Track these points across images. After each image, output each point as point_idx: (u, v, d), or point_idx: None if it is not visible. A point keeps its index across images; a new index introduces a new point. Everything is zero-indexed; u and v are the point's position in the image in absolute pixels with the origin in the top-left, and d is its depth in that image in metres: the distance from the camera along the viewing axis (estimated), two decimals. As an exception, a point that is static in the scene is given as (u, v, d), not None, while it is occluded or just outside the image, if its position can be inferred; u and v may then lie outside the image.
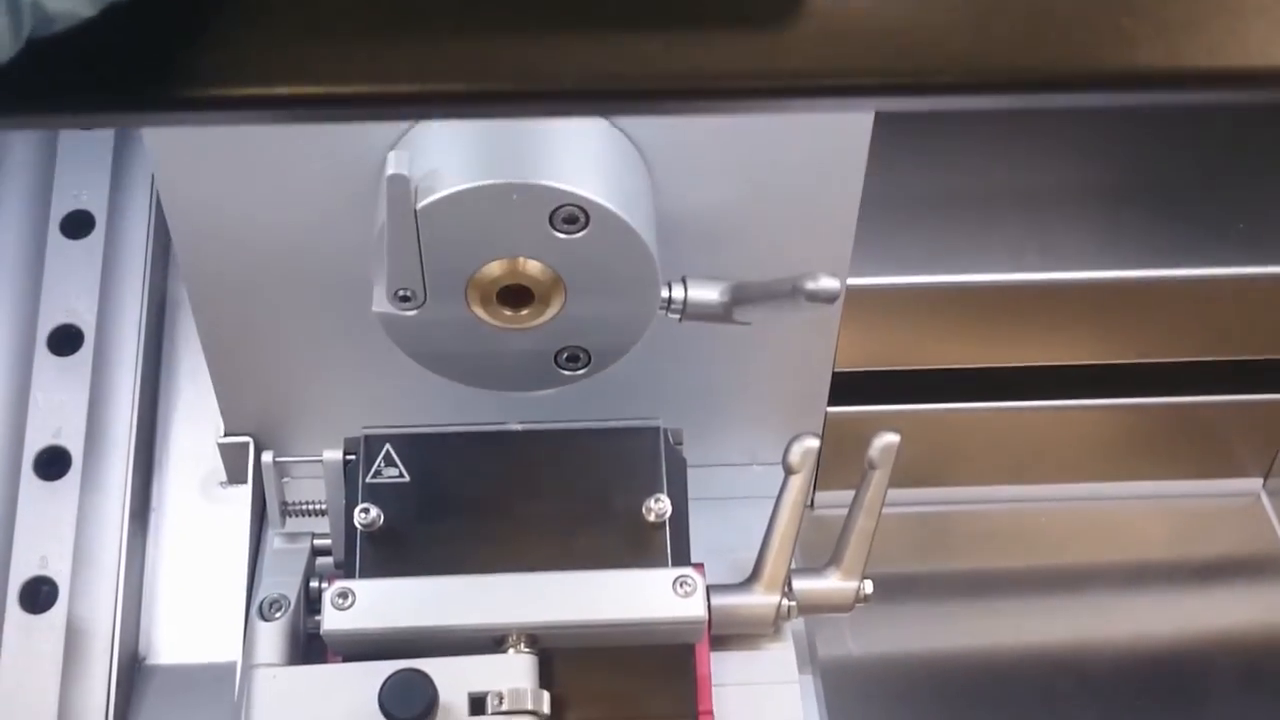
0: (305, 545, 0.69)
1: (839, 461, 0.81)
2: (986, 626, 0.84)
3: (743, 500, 0.77)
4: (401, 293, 0.61)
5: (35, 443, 0.77)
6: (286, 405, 0.75)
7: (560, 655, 0.64)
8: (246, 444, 0.77)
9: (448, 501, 0.66)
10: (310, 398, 0.75)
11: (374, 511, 0.64)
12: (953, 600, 0.84)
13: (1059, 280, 0.78)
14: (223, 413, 0.76)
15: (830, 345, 0.75)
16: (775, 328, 0.73)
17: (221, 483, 0.80)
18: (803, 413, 0.78)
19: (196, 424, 0.81)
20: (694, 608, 0.61)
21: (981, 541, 0.86)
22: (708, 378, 0.76)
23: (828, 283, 0.59)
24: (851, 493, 0.71)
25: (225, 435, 0.77)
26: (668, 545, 0.65)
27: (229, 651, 0.72)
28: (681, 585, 0.62)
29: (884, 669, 0.82)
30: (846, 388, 0.80)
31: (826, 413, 0.79)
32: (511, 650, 0.61)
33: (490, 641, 0.61)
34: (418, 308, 0.62)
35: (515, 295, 0.62)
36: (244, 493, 0.78)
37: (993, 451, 0.86)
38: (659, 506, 0.65)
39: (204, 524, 0.80)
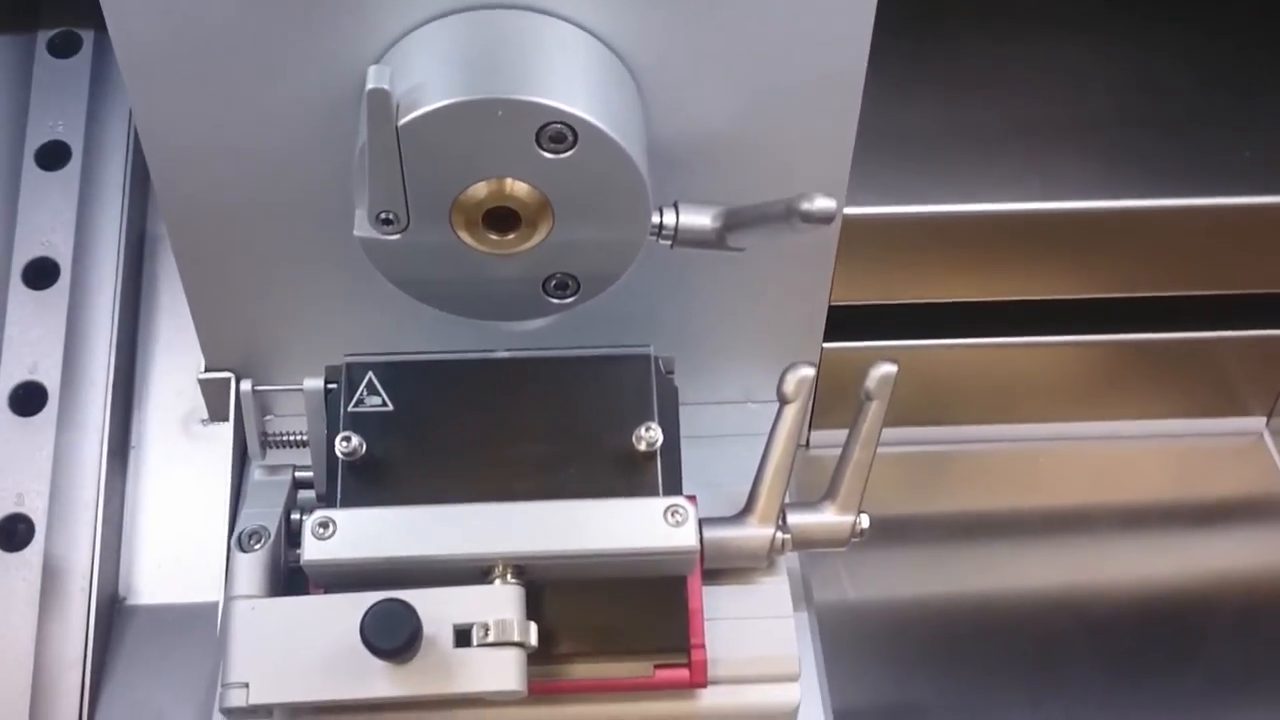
0: (286, 477, 0.67)
1: (834, 399, 0.80)
2: (983, 569, 0.82)
3: (736, 438, 0.75)
4: (383, 216, 0.59)
5: (11, 378, 0.75)
6: (269, 338, 0.74)
7: (548, 587, 0.62)
8: (228, 379, 0.75)
9: (432, 431, 0.64)
10: (293, 329, 0.73)
11: (355, 440, 0.62)
12: (948, 542, 0.83)
13: (1060, 210, 0.76)
14: (203, 347, 0.74)
15: (826, 277, 0.73)
16: (769, 258, 0.71)
17: (203, 420, 0.79)
18: (798, 347, 0.76)
19: (177, 360, 0.80)
20: (685, 537, 0.60)
21: (977, 482, 0.85)
22: (700, 310, 0.74)
23: (824, 203, 0.57)
24: (847, 431, 0.69)
25: (206, 371, 0.75)
26: (659, 475, 0.63)
27: (211, 592, 0.70)
28: (673, 514, 0.60)
29: (879, 612, 0.81)
30: (842, 322, 0.78)
31: (822, 348, 0.77)
32: (498, 581, 0.59)
33: (476, 572, 0.60)
34: (400, 232, 0.60)
35: (501, 219, 0.60)
36: (226, 430, 0.76)
37: (990, 389, 0.84)
38: (650, 435, 0.63)
39: (185, 462, 0.78)
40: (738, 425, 0.77)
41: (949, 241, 0.77)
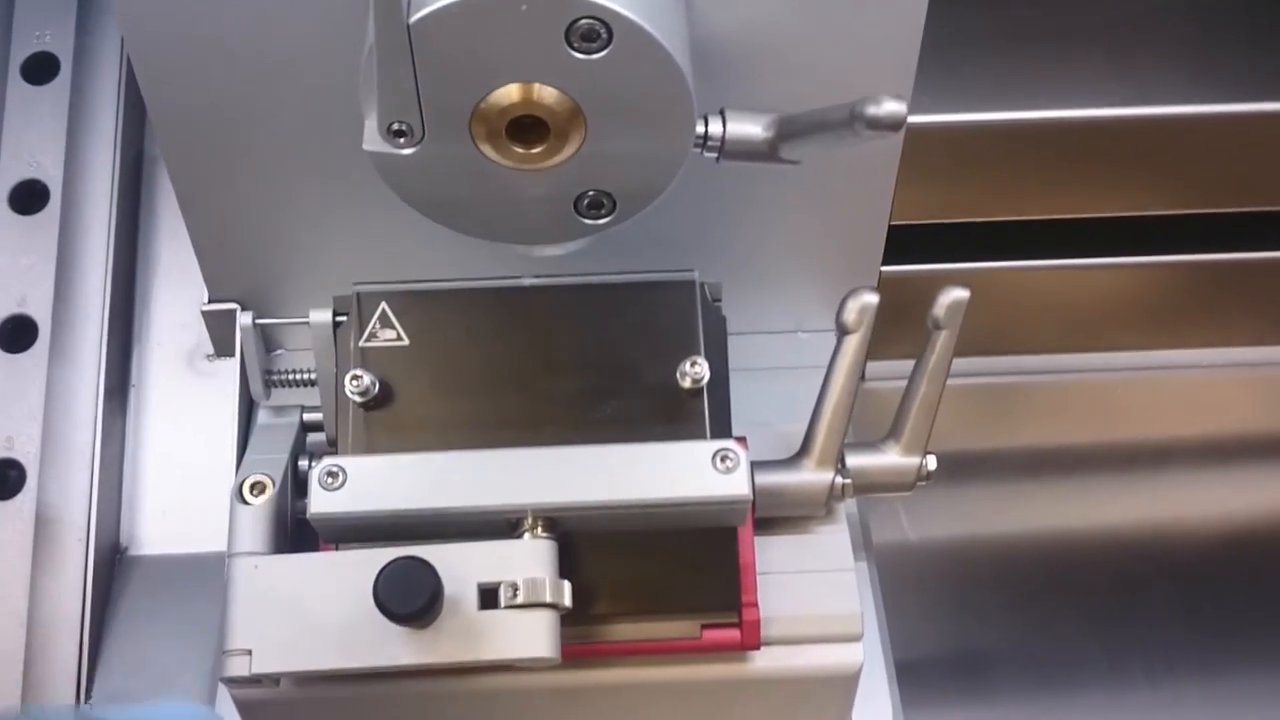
0: (294, 420, 0.61)
1: (892, 327, 0.73)
2: (1056, 508, 0.77)
3: (785, 371, 0.70)
4: (396, 127, 0.53)
5: (-1, 310, 0.69)
6: (275, 265, 0.68)
7: (583, 541, 0.56)
8: (233, 311, 0.69)
9: (453, 367, 0.58)
10: (301, 256, 0.67)
11: (367, 379, 0.56)
12: (1019, 480, 0.78)
13: (1142, 116, 0.70)
14: (205, 276, 0.68)
15: (887, 193, 0.66)
16: (825, 172, 0.65)
17: (208, 355, 0.73)
18: (854, 271, 0.70)
19: (179, 290, 0.75)
20: (737, 485, 0.53)
21: (1048, 416, 0.80)
22: (747, 231, 0.68)
23: (892, 106, 0.51)
24: (906, 364, 0.63)
25: (210, 302, 0.69)
26: (706, 415, 0.57)
27: (221, 541, 0.65)
28: (723, 459, 0.54)
29: (942, 556, 0.76)
30: (902, 243, 0.72)
31: (880, 271, 0.71)
32: (527, 535, 0.53)
33: (503, 525, 0.54)
34: (415, 145, 0.54)
35: (528, 129, 0.54)
36: (233, 366, 0.70)
37: (1062, 315, 0.79)
38: (695, 370, 0.57)
39: (189, 401, 0.73)
40: (787, 357, 0.72)
41: (1020, 153, 0.71)
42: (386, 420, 0.57)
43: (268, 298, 0.69)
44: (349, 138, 0.57)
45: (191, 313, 0.72)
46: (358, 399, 0.56)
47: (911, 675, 0.68)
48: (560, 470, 0.54)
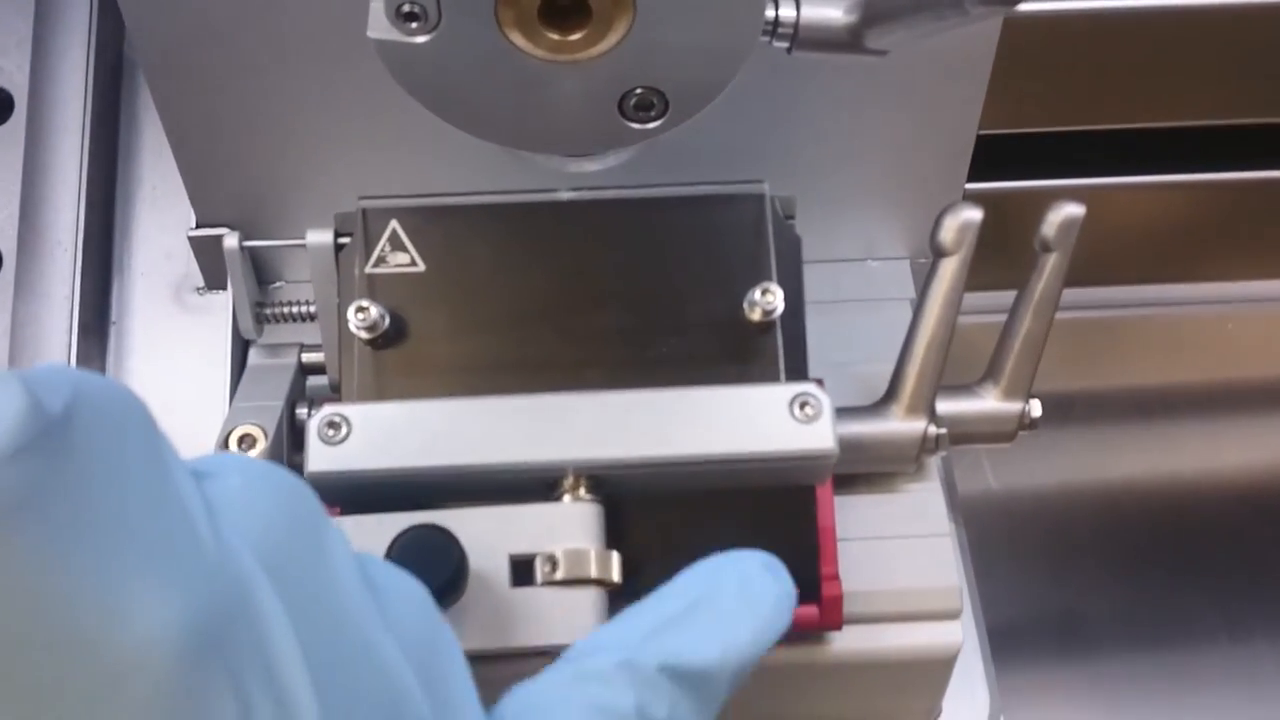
0: (291, 360, 0.52)
1: (978, 254, 0.65)
2: (1162, 452, 0.70)
3: (854, 304, 0.62)
4: (406, 9, 0.45)
5: (-46, 239, 0.61)
6: (273, 183, 0.59)
7: (632, 504, 0.47)
8: (224, 237, 0.60)
9: (477, 297, 0.49)
10: (302, 171, 0.58)
11: (375, 311, 0.47)
12: (1119, 423, 0.71)
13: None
14: (191, 197, 0.60)
15: (978, 94, 0.58)
16: (906, 66, 0.56)
17: (198, 289, 0.64)
18: (935, 188, 0.62)
19: (165, 214, 0.66)
20: (820, 437, 0.45)
21: (1158, 351, 0.72)
22: (811, 140, 0.59)
23: (1009, -23, 0.42)
24: (992, 296, 0.56)
25: (197, 227, 0.61)
26: (779, 353, 0.48)
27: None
28: (802, 406, 0.45)
29: (1034, 508, 0.68)
30: (989, 155, 0.63)
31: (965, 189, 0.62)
32: (567, 497, 0.45)
33: (539, 485, 0.45)
34: (430, 31, 0.45)
35: (564, 12, 0.45)
36: (226, 300, 0.61)
37: (1172, 239, 0.71)
38: (766, 300, 0.48)
39: (178, 339, 0.64)
40: (856, 288, 0.64)
41: (1128, 46, 0.62)
42: (399, 360, 0.48)
43: (264, 221, 0.61)
44: (353, 23, 0.49)
45: (179, 240, 0.63)
46: (364, 335, 0.47)
47: (1004, 646, 0.60)
48: (606, 419, 0.45)
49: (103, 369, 0.63)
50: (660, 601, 0.39)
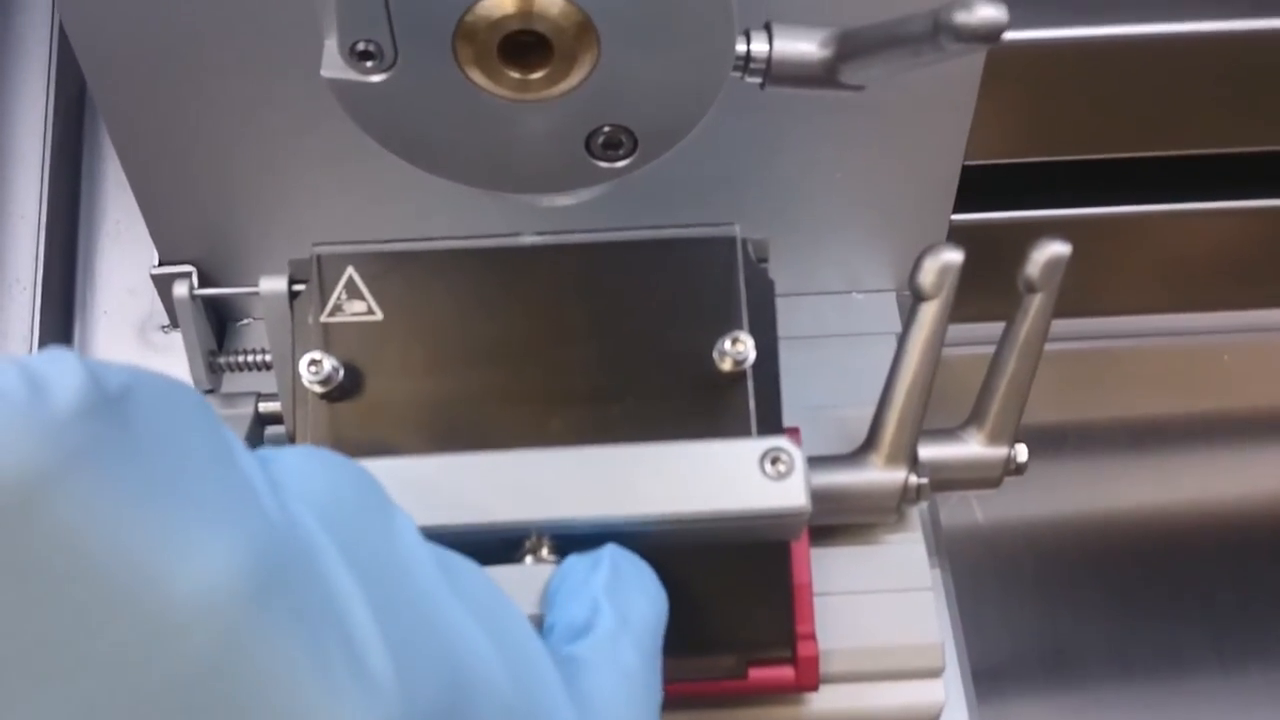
0: (247, 410, 0.51)
1: (964, 286, 0.63)
2: (1155, 484, 0.69)
3: (836, 340, 0.61)
4: (361, 48, 0.43)
5: (-88, 277, 0.59)
6: (233, 222, 0.58)
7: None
8: (188, 274, 0.59)
9: (437, 347, 0.47)
10: (261, 211, 0.57)
11: (328, 364, 0.45)
12: (1110, 455, 0.69)
13: (1267, 31, 0.58)
14: (153, 235, 0.58)
15: (963, 125, 0.56)
16: (888, 99, 0.54)
17: (163, 327, 0.63)
18: (920, 220, 0.61)
19: (129, 251, 0.65)
20: (792, 494, 0.42)
21: (1148, 383, 0.71)
22: (791, 173, 0.58)
23: (987, 11, 0.40)
24: (978, 328, 0.56)
25: (160, 265, 0.59)
26: (750, 404, 0.46)
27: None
28: (773, 462, 0.43)
29: (1022, 541, 0.67)
30: (974, 186, 0.61)
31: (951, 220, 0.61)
32: (529, 559, 0.43)
33: (499, 547, 0.43)
34: (386, 70, 0.44)
35: (527, 49, 0.44)
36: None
37: (1161, 269, 0.68)
38: (737, 350, 0.46)
39: (143, 379, 0.62)
40: (839, 322, 0.62)
41: (1114, 77, 0.60)
42: (355, 413, 0.46)
43: (229, 258, 0.59)
44: (309, 62, 0.47)
45: (142, 277, 0.62)
46: (318, 389, 0.45)
47: (992, 681, 0.59)
48: (568, 478, 0.43)
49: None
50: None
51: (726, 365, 0.46)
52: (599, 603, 0.39)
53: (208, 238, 0.59)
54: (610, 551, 0.41)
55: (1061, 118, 0.62)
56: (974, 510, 0.65)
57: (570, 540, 0.43)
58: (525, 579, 0.43)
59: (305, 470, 0.32)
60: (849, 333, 0.61)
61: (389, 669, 0.29)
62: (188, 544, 0.26)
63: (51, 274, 0.61)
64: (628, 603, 0.39)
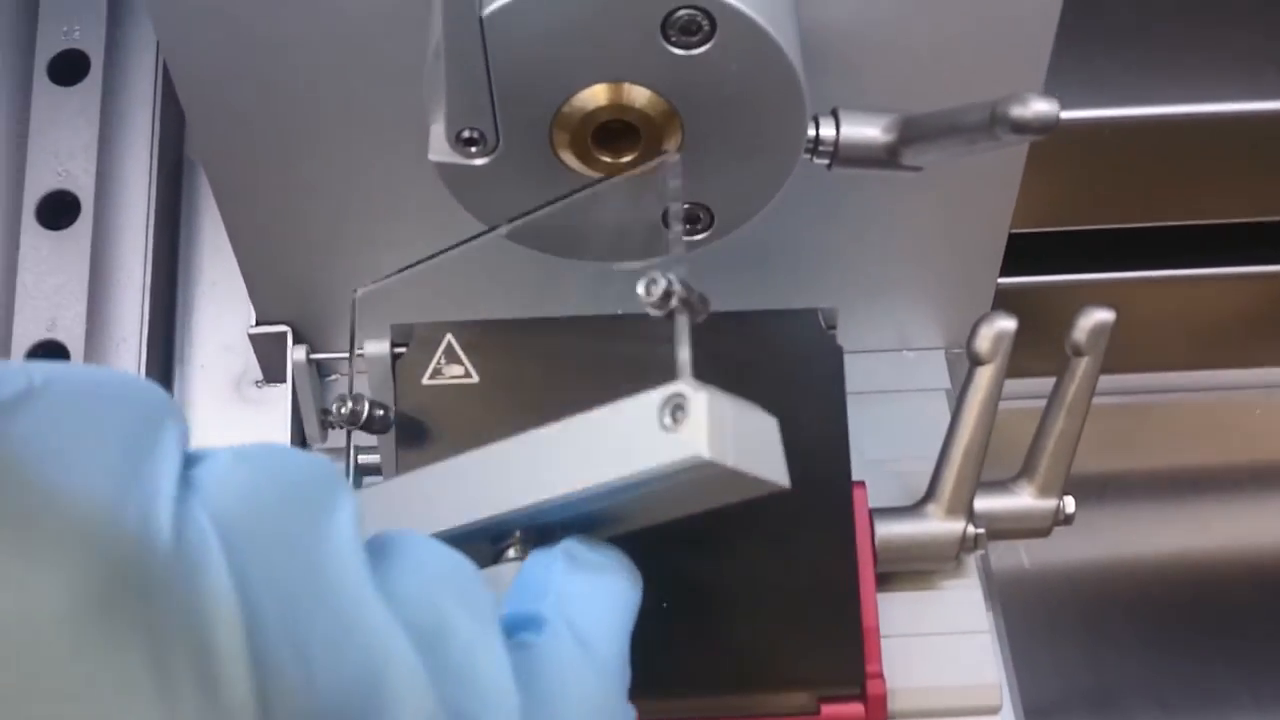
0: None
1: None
2: (1193, 533, 0.71)
3: (889, 395, 0.64)
4: (466, 135, 0.47)
5: (26, 337, 0.63)
6: (329, 287, 0.61)
7: (680, 601, 0.49)
8: (283, 334, 0.63)
9: (529, 409, 0.50)
10: (359, 275, 0.60)
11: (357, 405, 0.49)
12: (1150, 503, 0.71)
13: None
14: (252, 296, 0.62)
15: (1009, 197, 0.59)
16: (940, 173, 0.57)
17: (257, 382, 0.66)
18: (968, 283, 0.64)
19: (225, 309, 0.67)
20: (688, 444, 0.36)
21: (1186, 436, 0.73)
22: (847, 239, 0.61)
23: (1041, 106, 0.44)
24: (1022, 384, 0.58)
25: (257, 324, 0.63)
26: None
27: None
28: (673, 412, 0.37)
29: (1067, 585, 0.68)
30: (1018, 252, 0.64)
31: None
32: (513, 552, 0.42)
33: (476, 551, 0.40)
34: (488, 155, 0.47)
35: (616, 135, 0.47)
36: (284, 393, 0.64)
37: (1197, 328, 0.70)
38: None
39: (238, 430, 0.65)
40: (891, 378, 0.65)
41: (1151, 151, 0.64)
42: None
43: (320, 320, 0.63)
44: (413, 145, 0.51)
45: (237, 334, 0.65)
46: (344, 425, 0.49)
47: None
48: (519, 470, 0.41)
49: (164, 460, 0.64)
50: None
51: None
52: (551, 593, 0.38)
53: (302, 300, 0.62)
54: (565, 544, 0.40)
55: (1099, 189, 0.65)
56: (1021, 556, 0.68)
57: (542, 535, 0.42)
58: (494, 580, 0.42)
59: (228, 473, 0.31)
60: (900, 389, 0.64)
61: (247, 689, 0.28)
62: (5, 568, 0.26)
63: (154, 332, 0.65)
64: (582, 592, 0.38)
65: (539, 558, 0.40)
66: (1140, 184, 0.64)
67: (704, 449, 0.36)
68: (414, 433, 0.50)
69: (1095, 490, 0.70)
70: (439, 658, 0.33)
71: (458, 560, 0.36)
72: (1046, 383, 0.55)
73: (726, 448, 0.36)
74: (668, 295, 0.41)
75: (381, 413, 0.50)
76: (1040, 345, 0.56)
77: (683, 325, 0.40)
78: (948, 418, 0.61)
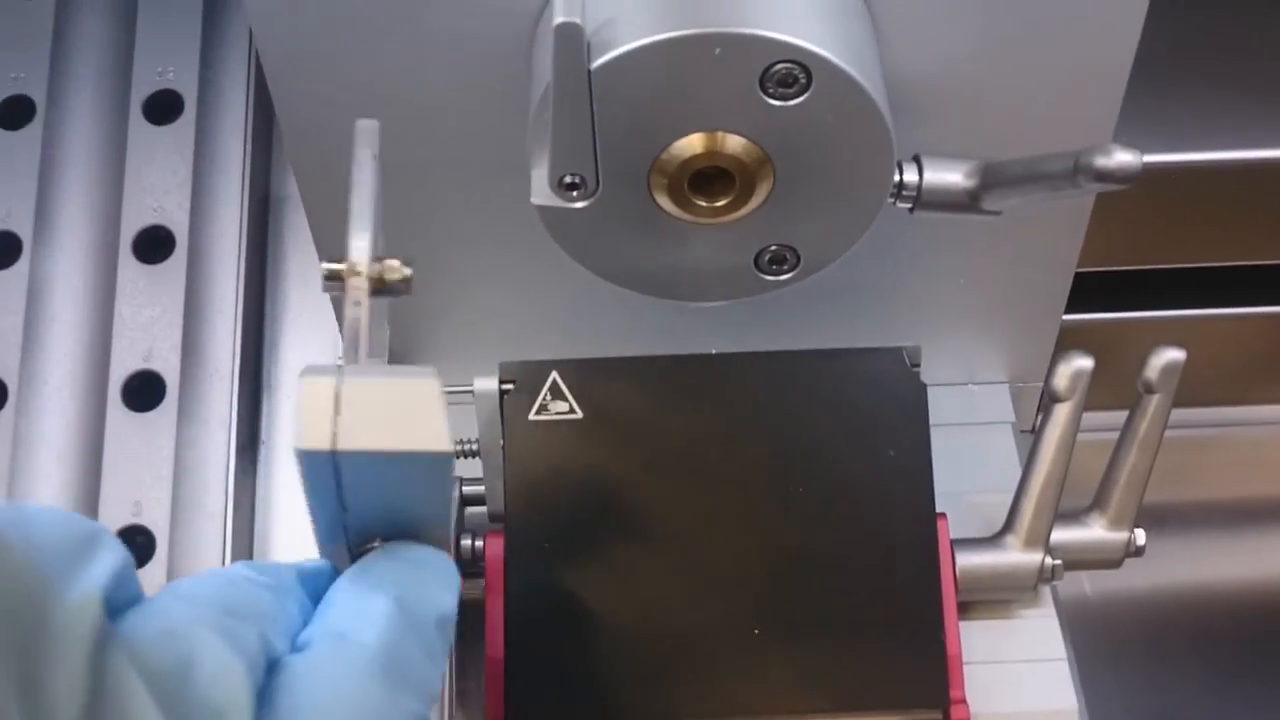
0: (454, 494, 0.56)
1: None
2: (1250, 563, 0.71)
3: (955, 429, 0.64)
4: (568, 180, 0.49)
5: (123, 367, 0.65)
6: (419, 320, 0.63)
7: (770, 627, 0.51)
8: (376, 367, 0.65)
9: (630, 444, 0.53)
10: (447, 312, 0.62)
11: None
12: (1210, 533, 0.72)
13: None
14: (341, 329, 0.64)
15: (1076, 241, 0.61)
16: (1012, 216, 0.59)
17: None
18: (1034, 320, 0.65)
19: (309, 339, 0.70)
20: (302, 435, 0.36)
21: (1242, 468, 0.74)
22: (917, 276, 0.63)
23: (1124, 157, 0.46)
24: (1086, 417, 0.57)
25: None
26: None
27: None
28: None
29: (1128, 613, 0.70)
30: (1083, 290, 0.66)
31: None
32: None
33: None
34: (588, 199, 0.49)
35: (710, 180, 0.49)
36: (368, 422, 0.65)
37: (1255, 364, 0.72)
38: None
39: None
40: (957, 412, 0.66)
41: (1221, 195, 0.65)
42: (553, 503, 0.52)
43: (405, 355, 0.65)
44: (507, 188, 0.54)
45: (323, 362, 0.67)
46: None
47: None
48: None
49: (253, 486, 0.67)
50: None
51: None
52: (327, 604, 0.38)
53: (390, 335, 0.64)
54: (368, 554, 0.39)
55: (1160, 230, 0.67)
56: (1084, 585, 0.70)
57: None
58: None
59: None
60: (966, 422, 0.65)
61: None
62: None
63: (246, 362, 0.67)
64: (347, 599, 0.38)
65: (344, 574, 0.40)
66: (1200, 225, 0.66)
67: (300, 440, 0.36)
68: (522, 467, 0.53)
69: (1155, 520, 0.71)
70: (181, 692, 0.34)
71: (227, 593, 0.37)
72: (1107, 416, 0.56)
73: (323, 433, 0.35)
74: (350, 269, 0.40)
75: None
76: (1102, 380, 0.57)
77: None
78: (1013, 451, 0.64)
